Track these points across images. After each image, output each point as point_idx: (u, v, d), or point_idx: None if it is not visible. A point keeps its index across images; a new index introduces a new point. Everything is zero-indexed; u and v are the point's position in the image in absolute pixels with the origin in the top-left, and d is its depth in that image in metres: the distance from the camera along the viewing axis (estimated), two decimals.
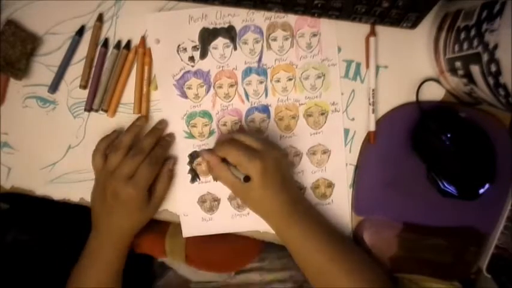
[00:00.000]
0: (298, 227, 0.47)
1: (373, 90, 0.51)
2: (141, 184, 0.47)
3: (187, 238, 0.55)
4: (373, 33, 0.50)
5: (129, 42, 0.52)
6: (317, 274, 0.48)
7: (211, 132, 0.53)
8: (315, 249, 0.47)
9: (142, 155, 0.48)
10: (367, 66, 0.51)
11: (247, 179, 0.45)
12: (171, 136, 0.53)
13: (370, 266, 0.49)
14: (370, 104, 0.51)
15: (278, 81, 0.52)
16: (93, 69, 0.52)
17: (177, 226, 0.55)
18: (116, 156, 0.48)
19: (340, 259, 0.47)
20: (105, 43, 0.52)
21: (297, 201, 0.49)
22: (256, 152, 0.45)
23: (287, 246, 0.49)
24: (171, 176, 0.52)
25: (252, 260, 0.61)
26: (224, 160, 0.48)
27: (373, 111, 0.51)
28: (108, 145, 0.50)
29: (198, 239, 0.55)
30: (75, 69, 0.52)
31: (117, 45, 0.52)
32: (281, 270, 0.62)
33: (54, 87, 0.52)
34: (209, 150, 0.50)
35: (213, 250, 0.58)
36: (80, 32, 0.51)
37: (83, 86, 0.52)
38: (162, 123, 0.52)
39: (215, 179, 0.53)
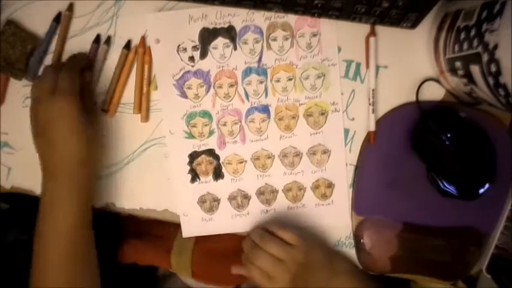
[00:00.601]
0: None
1: (373, 90, 0.51)
2: (66, 90, 0.41)
3: (193, 254, 0.54)
4: (373, 33, 0.50)
5: (129, 42, 0.52)
6: None
7: (211, 132, 0.53)
8: None
9: (57, 67, 0.44)
10: (367, 66, 0.51)
11: None
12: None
13: None
14: (370, 104, 0.51)
15: (278, 81, 0.52)
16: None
17: (182, 243, 0.55)
18: (35, 85, 0.44)
19: None
20: (97, 39, 0.52)
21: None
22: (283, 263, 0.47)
23: None
24: (91, 75, 0.48)
25: None
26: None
27: (373, 111, 0.51)
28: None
29: (204, 254, 0.56)
30: None
31: (127, 45, 0.52)
32: None
33: (32, 75, 0.52)
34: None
35: (218, 265, 0.58)
36: (57, 19, 0.51)
37: None
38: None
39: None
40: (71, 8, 0.51)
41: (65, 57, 0.52)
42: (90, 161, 0.44)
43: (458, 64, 0.44)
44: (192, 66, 0.52)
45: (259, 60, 0.52)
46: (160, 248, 0.60)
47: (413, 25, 0.47)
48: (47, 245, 0.42)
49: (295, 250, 0.48)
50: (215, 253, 0.57)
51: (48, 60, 0.52)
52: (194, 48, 0.52)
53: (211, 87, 0.52)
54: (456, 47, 0.43)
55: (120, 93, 0.53)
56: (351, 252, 0.54)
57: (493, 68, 0.37)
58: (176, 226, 0.55)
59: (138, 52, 0.51)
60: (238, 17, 0.51)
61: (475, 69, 0.41)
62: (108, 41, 0.52)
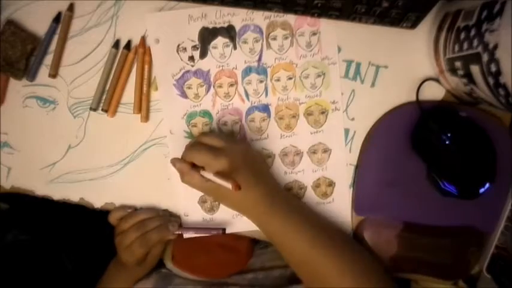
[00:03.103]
0: (278, 218, 0.47)
1: None
2: (134, 257, 0.53)
3: (175, 240, 0.55)
4: None
5: (129, 42, 0.52)
6: (300, 263, 0.47)
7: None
8: (297, 238, 0.47)
9: (140, 232, 0.52)
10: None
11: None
12: (177, 221, 0.54)
13: (358, 250, 0.49)
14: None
15: (278, 80, 0.52)
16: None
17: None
18: (124, 225, 0.53)
19: (323, 246, 0.46)
20: (116, 44, 0.52)
21: (274, 192, 0.49)
22: (220, 149, 0.46)
23: (271, 240, 0.49)
24: (159, 254, 0.57)
25: (235, 272, 0.61)
26: (193, 164, 0.47)
27: None
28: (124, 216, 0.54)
29: (186, 244, 0.56)
30: (76, 69, 0.52)
31: (116, 45, 0.52)
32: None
33: (32, 75, 0.52)
34: (178, 159, 0.48)
35: (198, 258, 0.59)
36: (57, 19, 0.51)
37: (52, 75, 0.52)
38: (178, 220, 0.54)
39: (189, 184, 0.48)
40: (71, 8, 0.51)
41: (65, 57, 0.52)
42: (135, 279, 0.59)
43: (458, 64, 0.44)
44: (192, 65, 0.52)
45: (259, 59, 0.52)
46: None
47: (413, 25, 0.47)
48: None
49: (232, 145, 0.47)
50: (197, 243, 0.58)
51: (48, 60, 0.52)
52: (194, 47, 0.52)
53: (211, 86, 0.52)
54: (456, 47, 0.43)
55: (120, 93, 0.53)
56: None
57: (493, 68, 0.37)
58: None
59: (138, 52, 0.51)
60: (237, 16, 0.51)
61: (475, 69, 0.41)
62: (117, 44, 0.52)
